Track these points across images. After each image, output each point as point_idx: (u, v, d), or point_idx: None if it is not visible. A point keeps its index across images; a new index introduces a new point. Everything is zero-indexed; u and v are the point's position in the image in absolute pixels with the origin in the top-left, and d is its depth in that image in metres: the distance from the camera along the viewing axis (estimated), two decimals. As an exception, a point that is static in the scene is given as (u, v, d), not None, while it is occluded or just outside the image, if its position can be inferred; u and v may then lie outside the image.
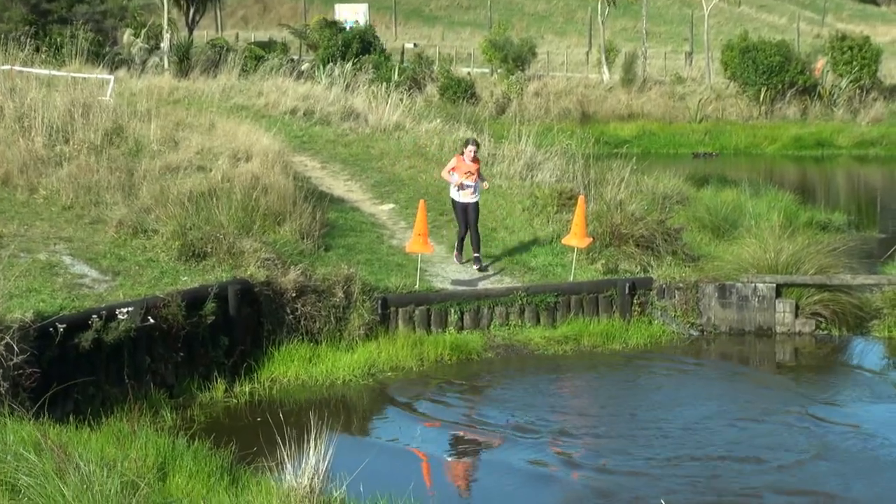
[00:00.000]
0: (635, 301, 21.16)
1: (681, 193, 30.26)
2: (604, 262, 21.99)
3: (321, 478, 9.20)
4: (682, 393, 17.81)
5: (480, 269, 21.65)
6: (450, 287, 20.84)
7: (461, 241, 21.84)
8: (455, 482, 13.63)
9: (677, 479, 13.75)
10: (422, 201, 21.33)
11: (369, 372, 18.26)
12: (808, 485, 13.53)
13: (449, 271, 21.75)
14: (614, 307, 21.05)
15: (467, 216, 21.60)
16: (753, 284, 21.11)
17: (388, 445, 14.92)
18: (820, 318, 21.15)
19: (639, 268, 22.12)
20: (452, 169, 21.69)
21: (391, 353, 18.80)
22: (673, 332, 21.04)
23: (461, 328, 20.27)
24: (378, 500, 10.47)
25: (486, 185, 22.38)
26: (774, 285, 21.09)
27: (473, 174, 21.56)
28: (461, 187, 21.51)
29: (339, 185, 27.76)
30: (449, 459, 14.42)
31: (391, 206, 26.10)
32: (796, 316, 21.12)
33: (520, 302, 20.62)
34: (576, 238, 21.60)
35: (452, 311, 20.23)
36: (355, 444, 14.85)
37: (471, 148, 21.70)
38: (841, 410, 16.55)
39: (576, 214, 21.84)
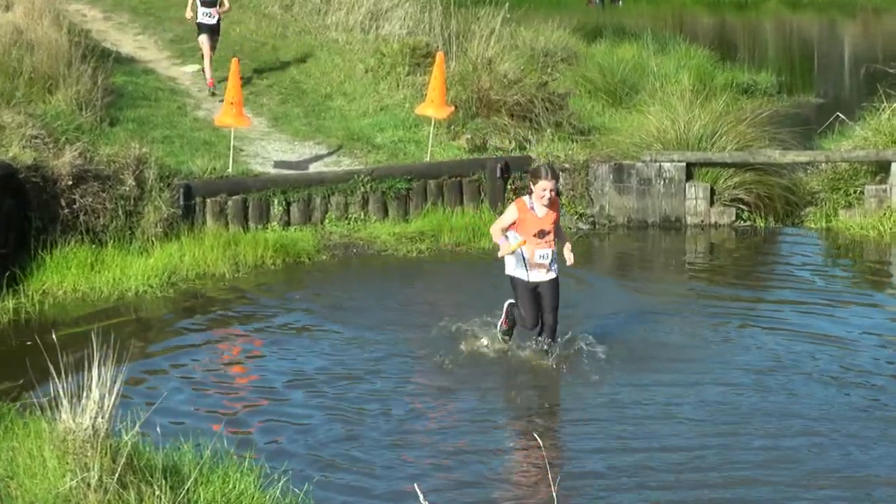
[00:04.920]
0: (509, 186, 21.29)
1: (567, 49, 30.49)
2: (469, 136, 22.13)
3: (107, 417, 9.17)
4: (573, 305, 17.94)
5: (551, 357, 15.05)
6: (272, 171, 20.83)
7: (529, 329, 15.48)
8: (268, 417, 13.67)
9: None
10: (234, 60, 21.21)
11: (169, 280, 18.18)
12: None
13: (271, 150, 21.74)
14: (483, 194, 21.18)
15: (541, 302, 15.15)
16: (658, 164, 21.37)
17: (191, 373, 14.88)
18: (741, 206, 21.49)
19: (514, 144, 22.30)
20: (512, 225, 14.93)
21: (197, 257, 18.74)
22: (557, 225, 21.22)
23: (287, 223, 20.27)
24: (181, 444, 10.47)
25: (570, 257, 14.99)
26: (684, 165, 21.36)
27: (549, 232, 14.98)
28: (528, 260, 14.95)
29: (127, 40, 27.52)
30: (265, 389, 14.44)
31: (195, 67, 25.94)
32: (712, 203, 21.44)
33: (362, 189, 20.67)
34: (433, 107, 21.64)
35: (276, 201, 20.21)
36: (151, 374, 14.80)
37: (545, 184, 14.81)
38: (769, 320, 16.89)
39: (433, 77, 21.88)
